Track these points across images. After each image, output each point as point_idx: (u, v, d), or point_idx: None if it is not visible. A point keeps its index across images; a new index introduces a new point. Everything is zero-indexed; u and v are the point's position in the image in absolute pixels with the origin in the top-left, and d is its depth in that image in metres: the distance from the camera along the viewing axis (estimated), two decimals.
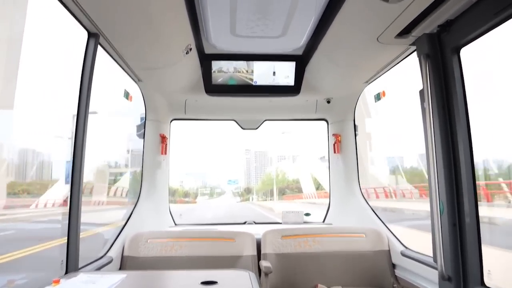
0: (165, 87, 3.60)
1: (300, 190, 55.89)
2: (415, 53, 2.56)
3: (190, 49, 2.89)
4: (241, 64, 3.43)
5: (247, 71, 3.45)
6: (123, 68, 3.05)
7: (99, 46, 2.44)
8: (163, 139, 4.03)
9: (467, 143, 2.12)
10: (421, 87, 2.35)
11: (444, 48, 2.24)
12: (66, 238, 2.24)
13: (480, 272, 2.02)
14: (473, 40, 2.09)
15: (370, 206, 3.89)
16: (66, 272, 2.21)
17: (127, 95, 3.42)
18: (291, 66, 3.45)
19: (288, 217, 4.24)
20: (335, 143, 4.18)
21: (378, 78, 3.41)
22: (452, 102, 2.19)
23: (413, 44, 2.52)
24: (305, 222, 4.22)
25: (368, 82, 3.49)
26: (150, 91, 3.66)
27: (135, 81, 3.40)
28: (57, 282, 1.89)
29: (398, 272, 3.26)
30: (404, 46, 2.61)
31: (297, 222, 4.16)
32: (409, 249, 3.17)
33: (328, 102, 3.95)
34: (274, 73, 3.48)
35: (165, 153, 4.06)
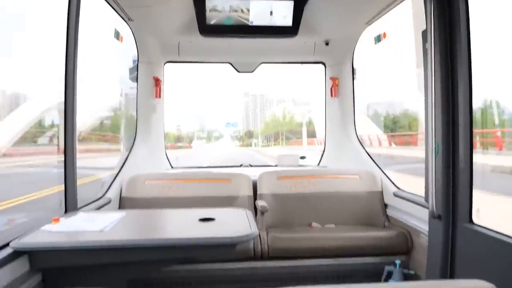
0: (157, 27, 3.46)
1: (309, 135, 48.07)
2: None
3: None
4: (236, 3, 3.27)
5: (243, 11, 3.30)
6: (112, 6, 2.91)
7: None
8: (157, 82, 3.94)
9: (467, 87, 2.09)
10: (423, 28, 2.27)
11: None
12: (64, 178, 2.26)
13: (469, 210, 2.09)
14: None
15: (365, 149, 3.94)
16: (66, 212, 2.25)
17: (117, 35, 3.29)
18: (289, 6, 3.30)
19: (284, 160, 4.29)
20: (332, 86, 4.13)
21: (379, 20, 3.30)
22: (455, 44, 2.12)
23: None
24: (300, 166, 4.28)
25: (368, 23, 3.37)
26: (141, 31, 3.52)
27: (125, 21, 3.26)
28: (57, 220, 1.93)
29: (389, 212, 3.37)
30: None
31: (292, 165, 4.22)
32: (401, 189, 3.25)
33: (327, 44, 3.83)
34: (271, 12, 3.33)
35: (160, 97, 4.00)
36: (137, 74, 3.81)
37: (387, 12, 3.10)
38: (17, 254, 1.64)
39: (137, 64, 3.80)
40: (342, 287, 0.71)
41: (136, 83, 3.86)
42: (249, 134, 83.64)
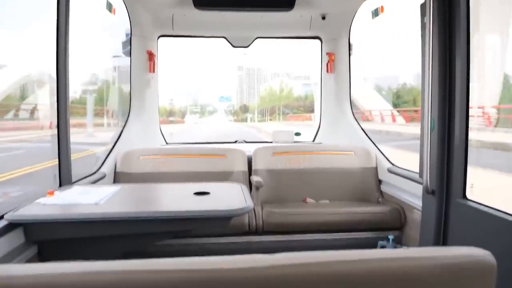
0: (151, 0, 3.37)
1: (307, 110, 45.87)
2: None
3: None
4: None
5: None
6: None
7: None
8: (151, 56, 3.87)
9: (465, 62, 2.07)
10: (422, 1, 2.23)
11: None
12: (57, 152, 2.25)
13: (463, 186, 2.10)
14: None
15: (360, 126, 3.93)
16: (60, 186, 2.24)
17: (110, 7, 3.20)
18: None
19: (279, 136, 4.28)
20: (328, 62, 4.08)
21: None
22: (454, 18, 2.09)
23: None
24: (295, 142, 4.28)
25: None
26: (134, 3, 3.43)
27: None
28: (52, 193, 1.93)
29: (383, 188, 3.40)
30: None
31: (287, 141, 4.21)
32: (396, 166, 3.27)
33: (323, 18, 3.76)
34: None
35: (154, 71, 3.93)
36: (130, 48, 3.73)
37: None
38: (12, 226, 1.64)
39: (130, 38, 3.72)
40: (334, 253, 0.71)
41: (129, 58, 3.79)
42: (244, 109, 79.36)
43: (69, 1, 2.23)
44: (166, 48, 4.17)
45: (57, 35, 2.20)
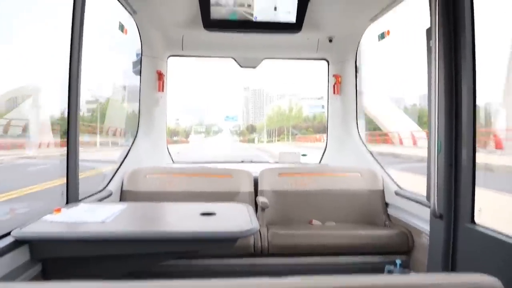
0: (161, 20, 3.45)
1: (316, 130, 43.45)
2: None
3: None
4: None
5: (247, 6, 3.29)
6: None
7: None
8: (160, 75, 3.94)
9: (471, 85, 2.08)
10: (428, 26, 2.26)
11: None
12: (66, 170, 2.27)
13: (471, 210, 2.08)
14: None
15: (366, 148, 3.93)
16: (67, 203, 2.25)
17: (122, 27, 3.28)
18: (293, 2, 3.28)
19: (285, 157, 4.29)
20: (335, 84, 4.12)
21: (383, 18, 3.28)
22: (459, 42, 2.11)
23: None
24: (301, 163, 4.27)
25: (373, 19, 3.35)
26: (145, 24, 3.51)
27: (130, 13, 3.25)
28: (58, 211, 1.94)
29: (390, 211, 3.36)
30: None
31: (293, 162, 4.21)
32: (403, 189, 3.24)
33: (330, 40, 3.82)
34: (275, 8, 3.32)
35: (162, 91, 3.99)
36: (141, 67, 3.81)
37: (391, 9, 3.09)
38: (18, 243, 1.65)
39: (141, 58, 3.80)
40: (341, 278, 0.71)
41: (139, 77, 3.86)
42: (251, 129, 76.39)
43: (83, 21, 2.29)
44: (172, 67, 4.24)
45: (70, 56, 2.25)
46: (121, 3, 3.00)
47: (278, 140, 56.02)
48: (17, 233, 1.66)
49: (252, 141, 61.21)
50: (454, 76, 2.14)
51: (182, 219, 2.03)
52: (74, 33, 2.25)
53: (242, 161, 4.41)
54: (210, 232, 1.77)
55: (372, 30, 3.59)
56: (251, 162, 4.37)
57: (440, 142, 2.16)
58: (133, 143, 3.85)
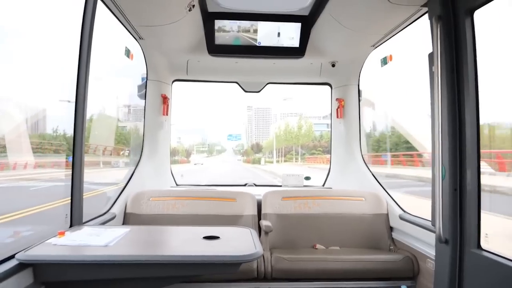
0: (167, 46, 3.52)
1: (325, 151, 40.93)
2: (425, 15, 2.48)
3: (193, 6, 2.80)
4: (245, 24, 3.34)
5: (251, 31, 3.37)
6: (123, 25, 2.98)
7: (99, 1, 2.36)
8: (165, 99, 3.99)
9: (474, 110, 2.10)
10: (430, 51, 2.30)
11: (457, 10, 2.16)
12: (70, 193, 2.27)
13: (477, 235, 2.06)
14: (488, 2, 2.02)
15: (370, 171, 3.92)
16: (71, 226, 2.25)
17: (128, 53, 3.35)
18: (296, 27, 3.36)
19: (288, 180, 4.28)
20: (338, 108, 4.15)
21: (385, 43, 3.34)
22: (461, 67, 2.14)
23: (425, 5, 2.44)
24: (305, 186, 4.26)
25: (375, 46, 3.41)
26: (151, 49, 3.58)
27: (136, 39, 3.33)
28: (62, 234, 1.93)
29: (395, 235, 3.33)
30: (415, 7, 2.53)
31: (297, 185, 4.20)
32: (407, 213, 3.22)
33: (333, 65, 3.88)
34: (278, 34, 3.40)
35: (167, 114, 4.04)
36: (146, 91, 3.86)
37: (393, 35, 3.15)
38: (22, 266, 1.64)
39: (146, 82, 3.86)
40: None
41: (144, 100, 3.91)
42: (257, 148, 69.50)
43: (91, 45, 2.34)
44: (176, 87, 4.29)
45: (77, 79, 2.30)
46: (128, 30, 3.08)
47: (285, 161, 51.37)
48: (21, 256, 1.65)
49: (258, 161, 53.91)
50: (457, 101, 2.16)
51: (185, 243, 2.02)
52: (82, 56, 2.29)
53: (246, 184, 4.40)
54: (213, 256, 1.76)
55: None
56: (254, 185, 4.37)
57: (444, 168, 2.16)
58: (137, 165, 3.86)
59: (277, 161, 52.86)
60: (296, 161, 49.16)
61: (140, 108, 4.10)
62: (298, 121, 53.09)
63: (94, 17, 2.34)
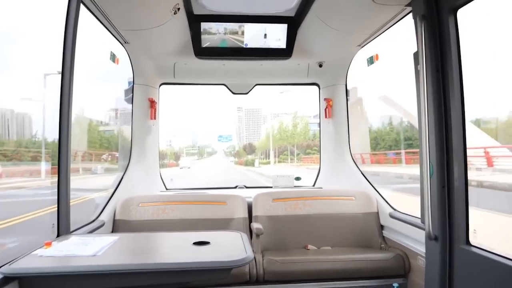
0: (153, 50, 3.49)
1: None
2: (409, 15, 2.50)
3: (178, 9, 2.78)
4: (231, 26, 3.33)
5: (237, 33, 3.36)
6: (108, 29, 2.94)
7: (82, 5, 2.32)
8: (152, 103, 3.95)
9: (460, 107, 2.12)
10: (415, 50, 2.31)
11: (441, 9, 2.18)
12: (56, 202, 2.23)
13: (466, 231, 2.08)
14: (471, 0, 2.04)
15: (360, 170, 3.94)
16: (58, 235, 2.21)
17: (113, 57, 3.31)
18: (282, 29, 3.36)
19: (279, 181, 4.28)
20: (326, 107, 4.16)
21: (371, 43, 3.36)
22: (446, 65, 2.16)
23: (409, 4, 2.46)
24: (295, 187, 4.26)
25: (361, 45, 3.43)
26: (137, 54, 3.55)
27: (121, 44, 3.29)
28: (49, 244, 1.89)
29: (386, 233, 3.34)
30: (399, 6, 2.55)
31: (287, 186, 4.20)
32: (397, 211, 3.24)
33: (320, 66, 3.88)
34: (265, 35, 3.40)
35: (155, 118, 4.00)
36: (132, 96, 3.82)
37: (379, 35, 3.16)
38: (7, 279, 1.60)
39: (133, 86, 3.82)
40: None
41: (131, 105, 3.87)
42: (249, 149, 64.19)
43: (74, 51, 2.30)
44: (166, 90, 4.25)
45: (61, 86, 2.26)
46: (113, 35, 3.04)
47: (278, 162, 47.13)
48: (6, 269, 1.61)
49: (251, 163, 48.69)
50: (442, 99, 2.18)
51: (175, 250, 1.99)
52: (65, 61, 2.25)
53: (236, 186, 4.39)
54: (203, 262, 1.74)
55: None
56: (245, 187, 4.36)
57: (431, 166, 2.17)
58: (125, 171, 3.82)
59: (269, 163, 48.10)
60: (291, 162, 45.54)
61: (128, 112, 4.06)
62: (293, 119, 49.12)
63: (77, 23, 2.30)
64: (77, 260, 1.73)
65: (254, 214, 3.37)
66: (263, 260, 2.91)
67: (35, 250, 1.86)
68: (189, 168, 44.38)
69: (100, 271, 1.64)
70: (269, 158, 50.14)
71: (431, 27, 2.19)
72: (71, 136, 2.29)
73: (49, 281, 1.66)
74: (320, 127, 4.41)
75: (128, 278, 1.68)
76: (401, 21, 2.85)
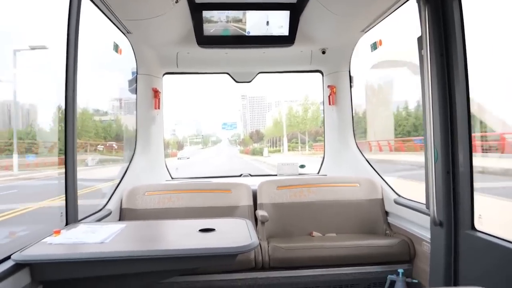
0: (156, 39, 3.49)
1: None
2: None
3: None
4: (233, 14, 3.32)
5: (239, 21, 3.34)
6: (110, 20, 2.94)
7: None
8: (156, 93, 3.96)
9: (464, 92, 2.10)
10: (419, 34, 2.29)
11: None
12: (64, 190, 2.26)
13: (471, 217, 2.08)
14: None
15: (364, 157, 3.94)
16: (66, 224, 2.25)
17: (116, 48, 3.31)
18: (285, 15, 3.34)
19: (283, 169, 4.29)
20: (330, 94, 4.15)
21: (374, 28, 3.33)
22: (450, 49, 2.14)
23: None
24: (300, 174, 4.28)
25: (364, 30, 3.40)
26: (140, 43, 3.55)
27: (124, 34, 3.29)
28: (58, 232, 1.93)
29: (390, 219, 3.36)
30: None
31: (292, 174, 4.22)
32: (402, 197, 3.24)
33: (323, 52, 3.86)
34: (267, 23, 3.38)
35: (159, 108, 4.01)
36: (136, 86, 3.83)
37: (382, 20, 3.13)
38: (18, 266, 1.64)
39: (136, 76, 3.83)
40: None
41: (135, 95, 3.89)
42: (257, 136, 60.26)
43: (77, 43, 2.31)
44: (169, 79, 4.24)
45: (66, 75, 2.27)
46: (115, 24, 3.04)
47: (288, 150, 43.66)
48: (17, 256, 1.65)
49: (259, 152, 44.69)
50: (447, 84, 2.17)
51: (181, 237, 2.02)
52: (69, 53, 2.26)
53: (241, 175, 4.41)
54: (209, 248, 1.77)
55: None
56: (250, 175, 4.38)
57: (436, 151, 2.17)
58: (131, 160, 3.85)
59: (279, 151, 45.43)
60: (302, 150, 42.33)
61: (131, 101, 4.07)
62: (303, 102, 44.64)
63: (79, 13, 2.30)
64: (85, 247, 1.76)
65: (259, 201, 3.40)
66: (268, 246, 2.94)
67: (44, 238, 1.89)
68: (188, 158, 40.49)
69: (108, 257, 1.68)
70: (276, 147, 47.77)
71: (435, 11, 2.17)
72: (76, 129, 2.31)
73: (59, 267, 1.70)
74: (324, 114, 4.41)
75: (136, 264, 1.71)
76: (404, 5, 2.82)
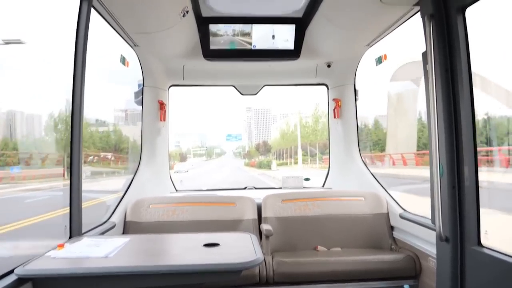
0: (162, 52, 3.53)
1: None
2: (418, 14, 2.49)
3: (187, 11, 2.80)
4: (239, 28, 3.35)
5: (245, 35, 3.37)
6: (118, 33, 2.98)
7: (92, 10, 2.36)
8: (162, 105, 3.99)
9: (469, 107, 2.10)
10: (424, 50, 2.30)
11: (449, 8, 2.17)
12: (69, 204, 2.27)
13: (477, 232, 2.06)
14: None
15: (369, 171, 3.92)
16: (70, 237, 2.24)
17: (123, 60, 3.35)
18: (290, 29, 3.37)
19: (288, 182, 4.28)
20: (335, 108, 4.15)
21: (380, 42, 3.35)
22: (455, 64, 2.14)
23: (417, 4, 2.45)
24: (304, 187, 4.26)
25: (369, 45, 3.41)
26: (146, 56, 3.58)
27: (131, 46, 3.33)
28: (62, 246, 1.93)
29: (396, 234, 3.32)
30: (407, 6, 2.54)
31: (296, 187, 4.20)
32: (407, 211, 3.21)
33: (329, 66, 3.88)
34: (273, 36, 3.41)
35: (164, 120, 4.03)
36: (142, 97, 3.86)
37: (387, 34, 3.15)
38: (21, 281, 1.63)
39: (142, 88, 3.85)
40: None
41: (141, 107, 3.91)
42: (264, 148, 57.16)
43: (85, 55, 2.33)
44: (175, 91, 4.28)
45: (73, 90, 2.29)
46: (123, 38, 3.07)
47: (295, 163, 40.95)
48: (20, 271, 1.64)
49: (267, 165, 41.70)
50: (452, 98, 2.16)
51: (186, 251, 2.01)
52: (77, 65, 2.29)
53: (246, 188, 4.40)
54: (213, 264, 1.76)
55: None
56: (254, 188, 4.37)
57: (441, 166, 2.16)
58: (136, 173, 3.85)
59: (286, 163, 42.29)
60: (312, 163, 39.39)
61: (137, 113, 4.09)
62: (314, 112, 41.07)
63: (88, 26, 2.33)
64: (89, 262, 1.76)
65: (263, 215, 3.38)
66: (273, 261, 2.91)
67: (48, 252, 1.89)
68: (186, 172, 36.37)
69: (112, 272, 1.67)
70: (283, 159, 44.85)
71: (439, 26, 2.18)
72: (82, 140, 2.32)
73: (62, 282, 1.69)
74: (328, 127, 4.41)
75: (140, 280, 1.70)
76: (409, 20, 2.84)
